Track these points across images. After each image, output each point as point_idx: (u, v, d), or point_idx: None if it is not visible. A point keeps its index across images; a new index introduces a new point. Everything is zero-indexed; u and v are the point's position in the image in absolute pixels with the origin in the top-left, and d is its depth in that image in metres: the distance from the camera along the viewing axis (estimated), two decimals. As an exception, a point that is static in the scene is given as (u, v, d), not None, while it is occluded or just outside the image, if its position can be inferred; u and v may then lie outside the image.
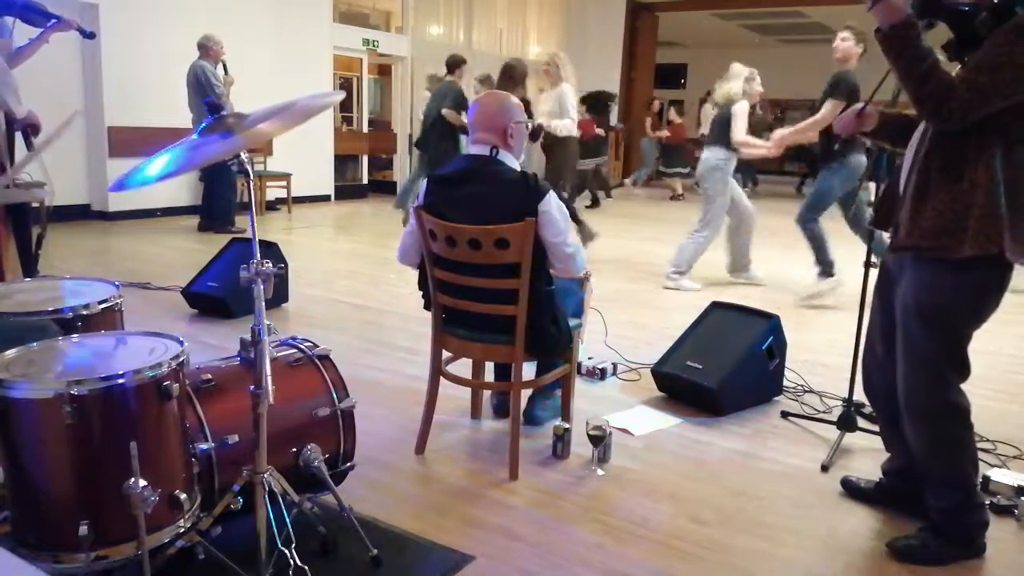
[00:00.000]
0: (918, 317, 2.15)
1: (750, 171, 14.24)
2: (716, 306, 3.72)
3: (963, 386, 2.21)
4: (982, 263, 2.03)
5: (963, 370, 2.19)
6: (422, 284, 2.79)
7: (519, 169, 2.60)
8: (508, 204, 2.48)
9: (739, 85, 5.70)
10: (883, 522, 2.45)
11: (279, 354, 2.23)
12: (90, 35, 4.53)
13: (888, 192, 2.35)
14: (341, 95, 2.40)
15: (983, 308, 2.13)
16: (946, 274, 2.09)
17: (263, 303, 1.81)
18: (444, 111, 7.54)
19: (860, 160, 5.10)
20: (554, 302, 2.65)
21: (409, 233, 2.72)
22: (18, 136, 3.79)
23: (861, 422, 3.01)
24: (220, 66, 7.48)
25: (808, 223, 5.36)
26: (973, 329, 2.16)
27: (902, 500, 2.46)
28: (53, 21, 4.17)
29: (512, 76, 6.40)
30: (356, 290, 5.50)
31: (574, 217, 6.51)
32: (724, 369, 3.31)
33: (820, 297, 5.40)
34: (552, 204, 2.50)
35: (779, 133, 5.66)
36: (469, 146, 2.68)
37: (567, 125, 6.54)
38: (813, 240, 5.41)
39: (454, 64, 7.93)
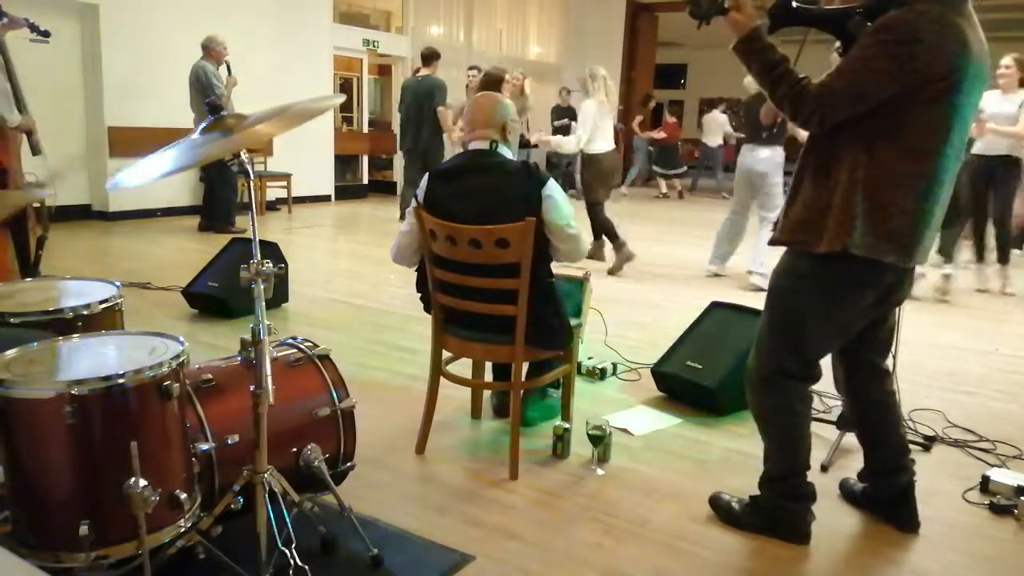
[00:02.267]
0: (768, 295, 2.25)
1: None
2: (716, 306, 3.72)
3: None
4: (836, 260, 2.06)
5: (804, 369, 2.22)
6: (421, 287, 2.80)
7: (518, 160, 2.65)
8: (512, 192, 2.52)
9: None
10: (882, 521, 2.44)
11: (279, 354, 2.24)
12: (44, 33, 4.44)
13: None
14: (341, 98, 2.41)
15: (833, 306, 2.15)
16: (803, 262, 2.13)
17: (263, 303, 1.82)
18: (439, 108, 7.58)
19: None
20: (555, 294, 2.66)
21: (405, 233, 2.73)
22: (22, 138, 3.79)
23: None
24: (224, 67, 7.48)
25: None
26: (823, 330, 2.18)
27: (886, 507, 2.45)
28: (4, 20, 4.11)
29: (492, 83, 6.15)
30: (356, 290, 5.50)
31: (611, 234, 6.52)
32: (724, 369, 3.31)
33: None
34: (554, 188, 2.55)
35: None
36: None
37: (571, 142, 6.50)
38: None
39: (431, 56, 7.94)
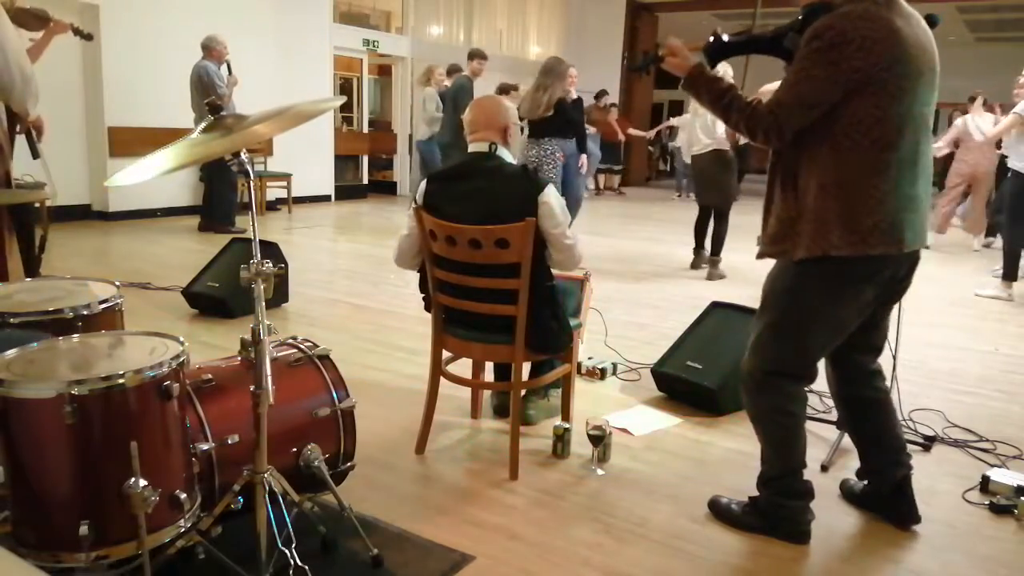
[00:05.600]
0: (762, 299, 2.27)
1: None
2: (716, 306, 3.72)
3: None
4: (818, 263, 2.09)
5: (803, 369, 2.25)
6: (423, 287, 2.80)
7: (517, 164, 2.65)
8: (509, 196, 2.52)
9: None
10: (882, 520, 2.44)
11: (279, 354, 2.24)
12: (87, 36, 4.53)
13: None
14: (340, 100, 2.42)
15: (833, 305, 2.16)
16: (790, 267, 2.17)
17: (263, 303, 1.82)
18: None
19: None
20: (554, 297, 2.66)
21: (406, 236, 2.73)
22: (20, 139, 3.79)
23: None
24: (225, 66, 7.48)
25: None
26: (823, 329, 2.19)
27: (884, 502, 2.45)
28: (50, 24, 4.18)
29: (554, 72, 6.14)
30: (356, 290, 5.50)
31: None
32: (724, 369, 3.31)
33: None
34: (551, 195, 2.54)
35: None
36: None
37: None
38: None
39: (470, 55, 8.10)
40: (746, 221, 7.52)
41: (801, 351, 2.23)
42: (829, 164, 2.04)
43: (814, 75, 1.98)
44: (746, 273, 6.33)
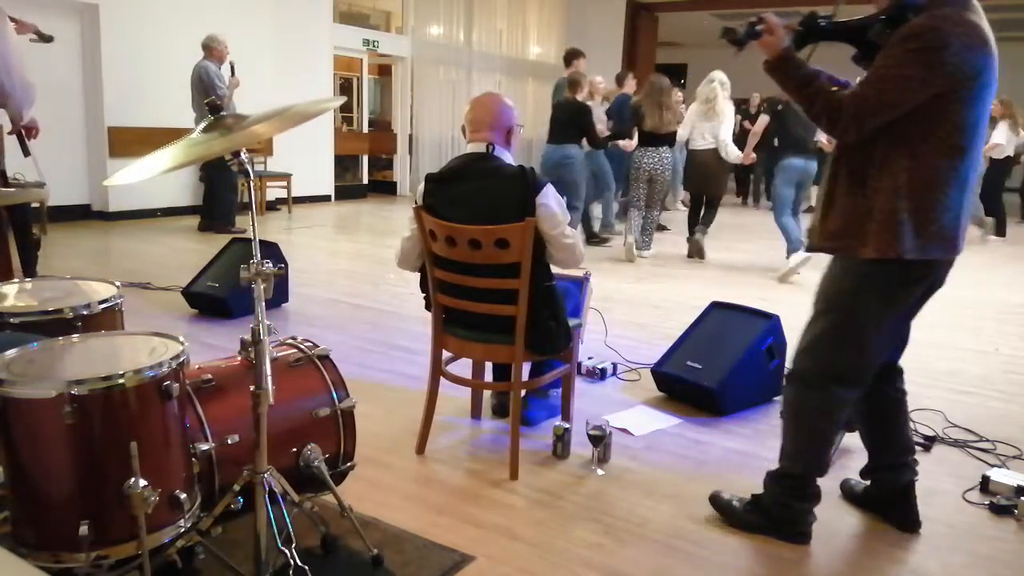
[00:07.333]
0: (821, 298, 2.23)
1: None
2: (716, 306, 3.72)
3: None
4: (884, 264, 2.08)
5: (861, 375, 2.22)
6: (423, 286, 2.80)
7: (515, 165, 2.63)
8: (507, 197, 2.51)
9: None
10: (882, 521, 2.44)
11: (279, 354, 2.23)
12: (47, 39, 4.51)
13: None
14: (340, 101, 2.42)
15: (890, 306, 2.15)
16: (858, 265, 2.14)
17: (263, 303, 1.82)
18: None
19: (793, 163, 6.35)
20: (554, 298, 2.65)
21: (407, 238, 2.74)
22: (12, 139, 3.80)
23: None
24: (227, 67, 7.47)
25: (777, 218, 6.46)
26: (884, 331, 2.18)
27: (886, 505, 2.45)
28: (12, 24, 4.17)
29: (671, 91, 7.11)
30: (356, 290, 5.50)
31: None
32: (724, 369, 3.31)
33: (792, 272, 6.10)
34: (550, 196, 2.53)
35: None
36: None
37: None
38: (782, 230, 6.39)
39: (570, 56, 8.12)
40: (748, 221, 7.52)
41: (863, 355, 2.19)
42: (903, 166, 2.02)
43: (907, 75, 1.95)
44: (746, 272, 6.33)
